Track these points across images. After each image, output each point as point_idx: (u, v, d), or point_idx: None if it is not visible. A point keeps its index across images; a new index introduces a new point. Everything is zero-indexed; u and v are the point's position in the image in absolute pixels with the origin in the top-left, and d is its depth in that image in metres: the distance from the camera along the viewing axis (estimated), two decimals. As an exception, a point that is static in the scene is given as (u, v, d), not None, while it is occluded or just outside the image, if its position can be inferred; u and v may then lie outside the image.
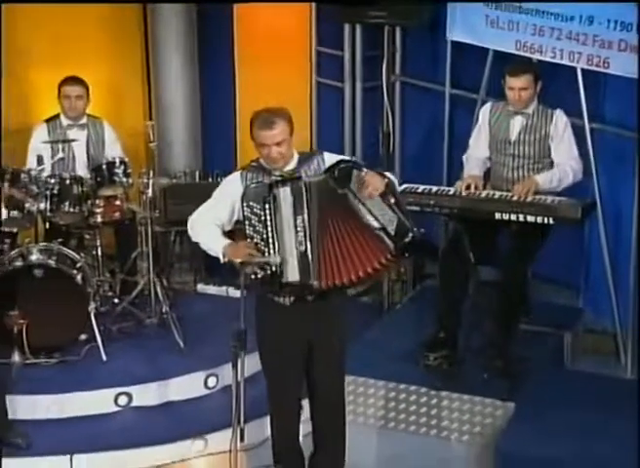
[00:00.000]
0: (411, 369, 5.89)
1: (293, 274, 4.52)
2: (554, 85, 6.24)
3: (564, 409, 5.45)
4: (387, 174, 4.64)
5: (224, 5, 7.39)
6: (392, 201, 4.48)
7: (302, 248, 4.51)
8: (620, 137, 6.30)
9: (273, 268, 4.49)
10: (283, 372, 4.92)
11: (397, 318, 6.89)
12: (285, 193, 4.48)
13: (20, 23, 7.19)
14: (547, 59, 6.29)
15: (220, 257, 4.59)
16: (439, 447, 5.63)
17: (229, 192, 4.69)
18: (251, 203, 4.49)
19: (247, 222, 4.53)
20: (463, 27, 6.80)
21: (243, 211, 4.53)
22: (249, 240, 4.54)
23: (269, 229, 4.47)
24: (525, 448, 5.16)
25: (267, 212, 4.45)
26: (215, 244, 4.62)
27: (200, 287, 7.21)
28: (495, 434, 5.46)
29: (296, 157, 4.72)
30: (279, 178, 4.55)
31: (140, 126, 6.63)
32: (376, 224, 4.49)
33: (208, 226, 4.66)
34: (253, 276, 4.54)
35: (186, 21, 7.46)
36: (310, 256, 4.50)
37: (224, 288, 6.93)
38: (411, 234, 4.46)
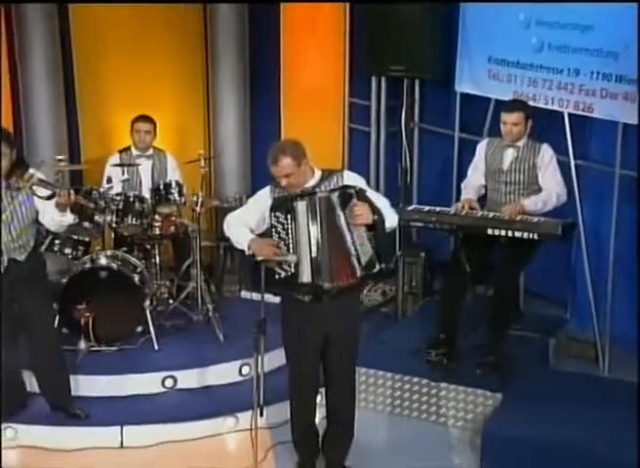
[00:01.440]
0: (415, 363, 5.66)
1: (307, 276, 4.36)
2: (547, 127, 6.00)
3: (546, 400, 5.17)
4: (387, 211, 4.48)
5: (274, 62, 7.24)
6: (373, 236, 4.35)
7: (314, 254, 4.34)
8: (602, 173, 6.02)
9: (292, 266, 4.35)
10: (302, 359, 4.72)
11: (407, 323, 6.60)
12: (302, 206, 4.32)
13: (101, 69, 7.07)
14: (540, 106, 6.03)
15: (246, 250, 4.46)
16: (437, 430, 5.45)
17: (260, 203, 4.56)
18: (277, 213, 4.36)
19: (273, 230, 4.40)
20: (470, 81, 6.61)
21: (271, 219, 4.40)
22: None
23: (290, 236, 4.34)
24: (508, 430, 4.91)
25: (289, 221, 4.31)
26: (242, 238, 4.49)
27: (243, 293, 6.94)
28: (485, 420, 5.21)
29: (318, 174, 4.55)
30: (299, 193, 4.39)
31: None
32: (353, 251, 4.34)
33: (239, 226, 4.54)
34: (276, 276, 4.41)
35: (241, 73, 7.31)
36: (320, 261, 4.35)
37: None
38: (378, 268, 4.38)
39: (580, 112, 5.89)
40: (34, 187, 4.77)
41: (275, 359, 5.44)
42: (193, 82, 7.40)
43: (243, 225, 4.54)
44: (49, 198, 4.78)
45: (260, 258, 4.39)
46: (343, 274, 4.38)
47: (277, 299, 4.74)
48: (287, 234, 4.36)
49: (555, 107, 6.00)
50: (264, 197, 4.56)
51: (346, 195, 4.35)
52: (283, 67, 7.23)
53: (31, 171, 4.81)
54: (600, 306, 6.04)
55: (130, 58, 7.08)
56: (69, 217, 4.99)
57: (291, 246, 4.35)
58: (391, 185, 7.28)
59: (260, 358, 4.53)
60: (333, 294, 4.45)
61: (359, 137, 7.36)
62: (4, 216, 4.82)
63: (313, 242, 4.35)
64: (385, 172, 7.29)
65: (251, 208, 4.64)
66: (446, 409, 5.45)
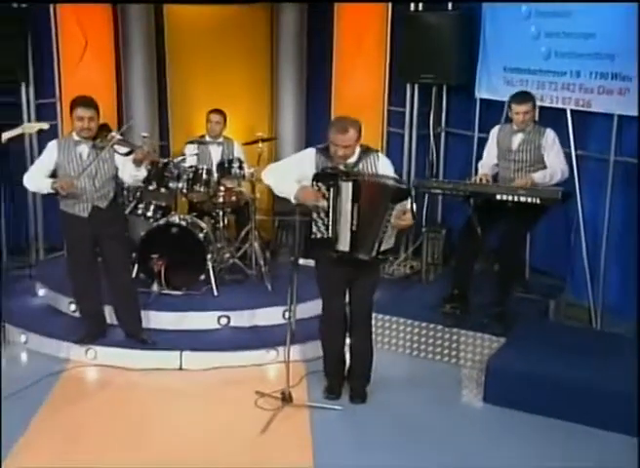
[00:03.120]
0: (433, 314, 5.25)
1: (344, 245, 4.09)
2: (552, 123, 5.42)
3: (543, 344, 4.81)
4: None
5: (326, 74, 6.89)
6: (397, 236, 4.19)
7: (354, 228, 4.03)
8: (598, 162, 5.53)
9: (329, 228, 4.11)
10: (331, 297, 4.45)
11: (428, 285, 6.18)
12: (347, 186, 4.01)
13: (184, 75, 6.87)
14: (547, 105, 5.64)
15: (292, 199, 4.14)
16: (449, 369, 5.09)
17: (304, 163, 4.23)
18: (319, 183, 4.06)
19: None
20: (488, 88, 6.21)
21: (312, 185, 4.09)
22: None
23: (329, 206, 4.04)
24: (508, 366, 4.57)
25: (331, 194, 4.01)
26: (287, 187, 4.16)
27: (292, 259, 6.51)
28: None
29: (358, 151, 4.21)
30: (344, 170, 4.07)
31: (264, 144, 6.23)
32: (380, 236, 4.05)
33: (282, 176, 4.21)
34: (312, 236, 4.17)
35: (299, 82, 6.96)
36: (358, 236, 4.05)
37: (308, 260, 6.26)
38: (385, 257, 4.27)
39: (580, 108, 5.47)
40: (115, 146, 4.60)
41: (312, 309, 5.11)
42: (261, 87, 7.11)
43: (288, 179, 4.19)
44: (127, 154, 4.65)
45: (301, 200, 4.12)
46: (365, 251, 4.10)
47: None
48: (327, 201, 4.04)
49: (559, 105, 5.60)
50: (309, 160, 4.23)
51: (402, 194, 4.07)
52: (334, 79, 6.89)
53: (113, 133, 4.66)
54: (595, 279, 5.54)
55: (211, 65, 6.83)
56: (143, 172, 4.81)
57: (330, 214, 4.06)
58: (420, 177, 6.80)
59: (294, 288, 4.40)
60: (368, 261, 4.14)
61: (395, 139, 6.93)
62: (89, 170, 4.64)
63: (355, 218, 4.03)
64: (416, 167, 6.86)
65: (294, 169, 4.27)
66: (457, 352, 5.08)
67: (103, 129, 4.68)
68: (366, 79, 6.82)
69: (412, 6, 6.54)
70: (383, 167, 4.27)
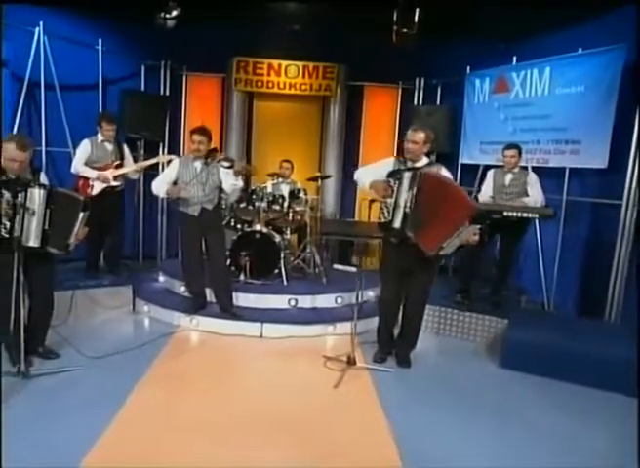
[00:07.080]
0: (449, 303, 4.01)
1: (397, 223, 2.94)
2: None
3: (538, 323, 3.54)
4: None
5: (356, 146, 5.82)
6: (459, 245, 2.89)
7: (407, 209, 2.90)
8: (552, 200, 4.36)
9: (390, 213, 2.95)
10: (388, 283, 3.21)
11: (440, 284, 4.61)
12: (407, 175, 2.93)
13: (263, 139, 5.83)
14: (514, 164, 4.57)
15: (367, 187, 3.02)
16: (465, 343, 3.85)
17: (384, 166, 3.11)
18: (390, 178, 2.97)
19: None
20: (468, 155, 5.13)
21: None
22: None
23: (395, 193, 2.96)
24: (516, 336, 3.35)
25: (396, 185, 2.97)
26: (366, 180, 3.04)
27: (335, 265, 5.16)
28: (496, 336, 3.67)
29: (425, 160, 3.13)
30: (408, 168, 3.02)
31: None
32: (446, 241, 2.80)
33: (366, 173, 3.12)
34: (377, 220, 3.05)
35: (338, 148, 5.81)
36: (409, 216, 2.89)
37: (348, 267, 5.01)
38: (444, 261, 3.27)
39: (540, 164, 4.42)
40: (221, 162, 3.50)
41: (366, 294, 4.00)
42: (314, 148, 5.95)
43: (369, 175, 3.07)
44: (229, 167, 3.52)
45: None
46: (429, 241, 2.83)
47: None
48: (391, 192, 2.96)
49: (524, 164, 4.44)
50: (388, 165, 3.12)
51: (481, 219, 2.79)
52: (361, 148, 5.84)
53: (218, 154, 3.62)
54: (548, 285, 4.39)
55: (281, 134, 5.81)
56: (240, 183, 3.68)
57: (394, 199, 2.94)
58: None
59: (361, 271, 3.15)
60: (411, 242, 2.92)
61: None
62: (199, 178, 3.56)
63: (408, 201, 2.88)
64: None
65: (376, 169, 3.13)
66: (469, 330, 3.83)
67: (213, 151, 3.59)
68: (382, 149, 5.75)
69: (415, 102, 5.64)
70: (445, 174, 3.17)
